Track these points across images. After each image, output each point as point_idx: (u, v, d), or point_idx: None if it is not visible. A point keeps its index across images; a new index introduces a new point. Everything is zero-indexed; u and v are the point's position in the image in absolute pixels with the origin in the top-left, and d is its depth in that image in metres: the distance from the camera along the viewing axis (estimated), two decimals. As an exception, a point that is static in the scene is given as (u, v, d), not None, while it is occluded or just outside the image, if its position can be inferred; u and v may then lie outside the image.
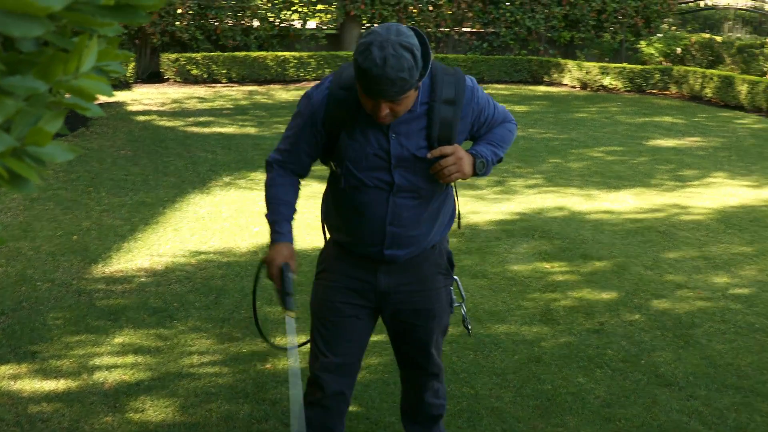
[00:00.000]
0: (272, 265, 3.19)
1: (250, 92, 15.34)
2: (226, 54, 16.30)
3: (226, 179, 8.73)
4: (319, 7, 17.61)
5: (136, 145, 10.36)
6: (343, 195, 3.12)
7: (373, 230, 3.07)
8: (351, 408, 4.09)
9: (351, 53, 16.78)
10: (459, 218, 3.43)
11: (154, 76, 16.61)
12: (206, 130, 11.47)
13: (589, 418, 4.22)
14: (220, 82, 16.31)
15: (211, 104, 13.86)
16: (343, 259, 3.25)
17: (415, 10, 17.99)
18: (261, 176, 8.74)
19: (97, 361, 4.62)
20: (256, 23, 17.34)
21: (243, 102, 14.17)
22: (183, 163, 9.45)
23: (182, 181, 8.65)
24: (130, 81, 15.70)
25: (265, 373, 4.54)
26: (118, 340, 4.89)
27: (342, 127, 2.98)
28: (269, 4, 17.05)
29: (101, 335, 4.95)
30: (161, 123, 11.91)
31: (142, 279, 5.86)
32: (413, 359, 3.46)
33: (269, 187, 3.30)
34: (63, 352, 4.72)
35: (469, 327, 3.59)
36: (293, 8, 17.33)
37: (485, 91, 3.14)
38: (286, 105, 13.85)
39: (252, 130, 11.53)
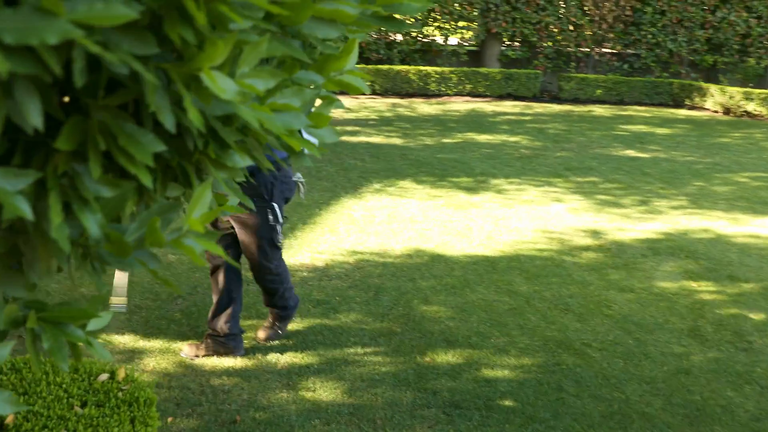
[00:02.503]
0: None
1: (393, 104, 15.71)
2: (369, 66, 16.74)
3: (377, 186, 9.05)
4: (461, 23, 17.90)
5: (289, 150, 10.80)
6: None
7: None
8: (507, 403, 4.31)
9: (491, 69, 17.01)
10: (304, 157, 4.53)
11: (301, 86, 17.15)
12: (354, 139, 11.86)
13: (739, 430, 4.30)
14: (364, 94, 16.72)
15: (356, 114, 14.28)
16: None
17: (555, 29, 18.08)
18: (410, 185, 9.05)
19: (269, 343, 4.96)
20: (399, 38, 17.75)
21: (387, 113, 14.55)
22: (334, 169, 9.83)
23: (335, 185, 9.02)
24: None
25: (425, 365, 4.78)
26: (287, 327, 5.22)
27: None
28: (412, 20, 17.42)
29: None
30: (311, 130, 12.34)
31: (304, 274, 6.20)
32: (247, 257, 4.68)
33: None
34: (238, 334, 5.09)
35: (279, 230, 4.60)
36: (435, 24, 17.66)
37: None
38: (428, 118, 14.15)
39: (398, 141, 11.86)
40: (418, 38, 17.71)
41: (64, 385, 3.08)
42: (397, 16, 1.97)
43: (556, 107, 16.24)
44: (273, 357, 4.79)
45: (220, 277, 4.71)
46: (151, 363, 4.67)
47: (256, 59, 1.35)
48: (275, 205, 4.49)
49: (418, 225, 7.57)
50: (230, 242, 4.73)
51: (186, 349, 4.78)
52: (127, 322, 5.22)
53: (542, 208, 8.35)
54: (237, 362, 4.71)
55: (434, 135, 12.50)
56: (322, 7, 1.50)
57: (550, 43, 18.15)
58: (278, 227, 4.57)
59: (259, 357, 4.79)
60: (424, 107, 15.55)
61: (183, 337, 5.01)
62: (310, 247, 6.83)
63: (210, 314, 4.79)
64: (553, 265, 6.65)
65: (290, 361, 4.76)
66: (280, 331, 5.02)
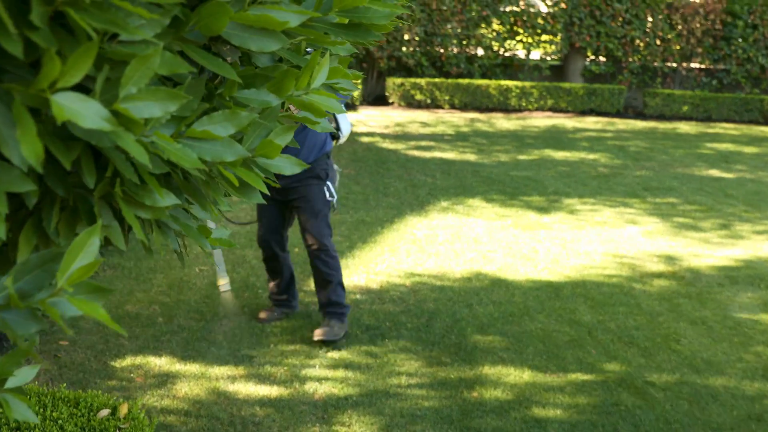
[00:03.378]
0: None
1: (472, 119, 15.37)
2: (449, 80, 16.43)
3: (444, 204, 8.74)
4: (544, 37, 17.45)
5: (358, 165, 10.59)
6: None
7: None
8: (557, 446, 3.95)
9: (574, 84, 16.53)
10: (335, 137, 5.16)
11: (379, 100, 16.98)
12: (427, 154, 11.58)
13: (816, 486, 3.86)
14: (443, 108, 16.45)
15: (432, 129, 13.99)
16: None
17: (641, 44, 17.47)
18: (479, 203, 8.72)
19: (308, 372, 4.70)
20: (480, 51, 17.40)
21: (464, 129, 14.21)
22: (403, 185, 9.55)
23: (401, 202, 8.74)
24: (357, 103, 16.10)
25: (471, 401, 4.45)
26: (331, 353, 4.95)
27: None
28: (494, 33, 17.07)
29: (315, 347, 5.03)
30: (384, 145, 12.12)
31: (357, 296, 5.93)
32: (304, 233, 5.19)
33: None
34: (278, 360, 4.84)
35: (335, 205, 5.21)
36: (518, 38, 17.27)
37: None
38: (506, 134, 13.77)
39: (472, 157, 11.52)
40: (500, 53, 17.33)
41: (60, 421, 2.86)
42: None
43: (639, 124, 15.66)
44: (311, 387, 4.53)
45: (278, 261, 5.39)
46: (183, 389, 4.45)
47: (146, 76, 1.07)
48: (329, 184, 5.16)
49: (482, 246, 7.23)
50: (278, 235, 5.35)
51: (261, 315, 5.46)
52: (167, 343, 5.03)
53: (615, 231, 7.91)
54: (273, 391, 4.46)
55: (510, 151, 12.13)
56: (246, 13, 1.21)
57: (635, 58, 17.55)
58: (333, 202, 5.20)
59: (297, 386, 4.53)
60: (502, 122, 15.17)
61: (221, 362, 4.79)
62: (367, 267, 6.55)
63: (275, 288, 5.47)
64: (621, 293, 6.23)
65: (328, 391, 4.49)
66: (336, 329, 5.10)
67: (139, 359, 4.81)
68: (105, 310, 4.24)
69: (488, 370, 4.80)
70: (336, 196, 5.21)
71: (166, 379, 4.57)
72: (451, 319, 5.57)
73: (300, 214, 5.16)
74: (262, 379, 4.60)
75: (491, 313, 5.71)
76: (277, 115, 1.49)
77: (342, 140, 5.23)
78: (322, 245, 5.12)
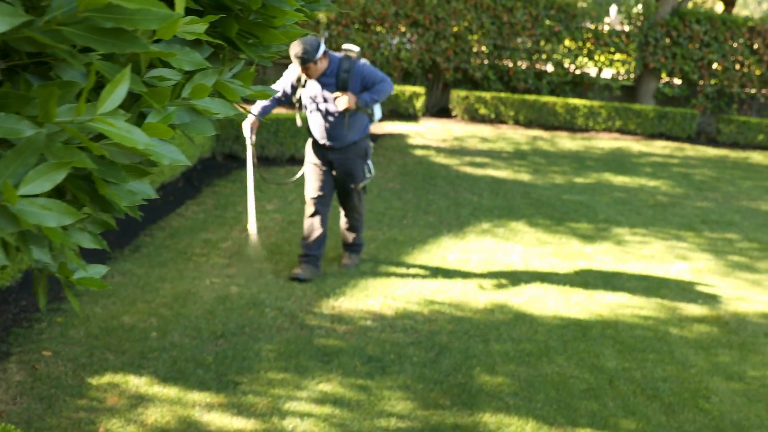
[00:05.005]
0: (243, 124, 6.35)
1: (534, 137, 14.86)
2: (515, 96, 15.92)
3: (485, 225, 8.30)
4: (617, 56, 16.82)
5: (405, 180, 10.22)
6: (308, 116, 6.31)
7: (320, 133, 6.27)
8: None
9: (645, 106, 15.88)
10: (372, 121, 6.42)
11: (442, 112, 16.58)
12: (479, 171, 11.14)
13: None
14: (506, 124, 15.96)
15: (491, 145, 13.54)
16: (313, 146, 6.41)
17: (719, 67, 16.72)
18: (521, 227, 8.27)
19: (292, 405, 4.34)
20: (549, 68, 16.87)
21: (524, 146, 13.72)
22: (446, 203, 9.14)
23: (440, 221, 8.33)
24: (419, 114, 15.73)
25: (462, 453, 4.03)
26: (322, 386, 4.58)
27: (299, 83, 6.22)
28: (566, 50, 16.51)
29: (307, 377, 4.67)
30: (436, 159, 11.72)
31: (368, 322, 5.55)
32: (343, 198, 6.57)
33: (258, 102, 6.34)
34: (264, 389, 4.49)
35: (368, 178, 6.55)
36: (590, 56, 16.68)
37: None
38: (567, 155, 13.24)
39: (525, 177, 11.04)
40: (570, 70, 16.77)
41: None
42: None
43: (710, 151, 14.94)
44: (291, 422, 4.16)
45: (320, 221, 6.49)
46: (153, 415, 4.13)
47: None
48: (369, 162, 6.54)
49: (514, 274, 6.78)
50: (324, 197, 6.48)
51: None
52: (153, 361, 4.73)
53: (661, 266, 7.37)
54: (248, 425, 4.11)
55: (567, 173, 11.60)
56: None
57: (712, 82, 16.81)
58: (369, 177, 6.55)
59: (275, 421, 4.17)
60: (566, 142, 14.61)
61: (203, 387, 4.46)
62: (387, 290, 6.17)
63: (309, 240, 6.46)
64: (655, 337, 5.72)
65: (308, 429, 4.11)
66: (354, 259, 6.78)
67: (118, 377, 4.51)
68: (101, 320, 3.92)
69: (489, 418, 4.37)
70: (373, 173, 6.61)
71: (138, 403, 4.26)
72: (462, 355, 5.14)
73: (343, 183, 6.49)
74: (241, 410, 4.26)
75: (507, 351, 5.27)
76: (39, 148, 1.13)
77: (374, 122, 6.53)
78: (357, 209, 6.64)
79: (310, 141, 6.42)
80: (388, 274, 6.54)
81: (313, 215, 6.43)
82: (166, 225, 7.49)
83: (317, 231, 6.42)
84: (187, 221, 7.67)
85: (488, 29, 16.29)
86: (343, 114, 6.15)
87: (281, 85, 6.26)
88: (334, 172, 6.41)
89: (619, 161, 12.96)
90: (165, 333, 5.13)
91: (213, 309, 5.57)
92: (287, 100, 6.34)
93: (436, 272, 6.69)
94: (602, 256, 7.52)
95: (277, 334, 5.24)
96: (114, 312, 5.40)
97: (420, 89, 15.71)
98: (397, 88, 15.52)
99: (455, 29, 16.26)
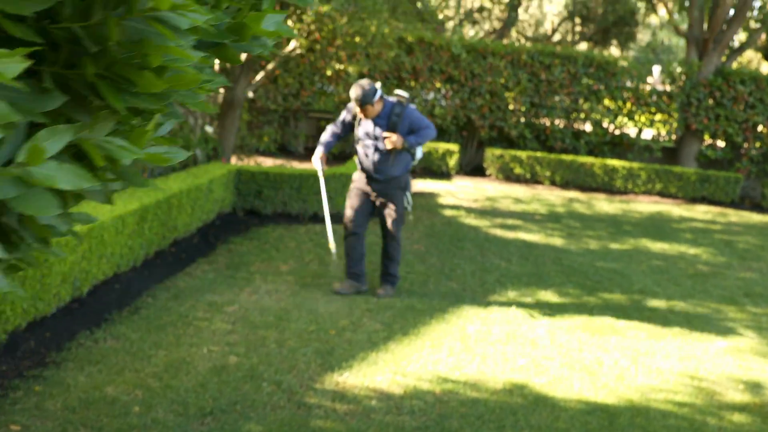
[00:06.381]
0: (313, 158, 7.36)
1: (570, 199, 14.39)
2: (552, 156, 15.50)
3: (511, 294, 7.82)
4: (658, 117, 16.34)
5: (431, 241, 9.79)
6: (357, 148, 7.32)
7: (368, 165, 7.23)
8: None
9: (686, 169, 15.37)
10: (413, 160, 7.37)
11: (476, 171, 16.22)
12: (510, 234, 10.68)
13: None
14: (542, 184, 15.53)
15: (524, 206, 13.08)
16: (361, 176, 7.33)
17: (764, 130, 16.16)
18: (550, 297, 7.80)
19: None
20: (588, 127, 16.45)
21: (559, 209, 13.25)
22: (471, 268, 8.68)
23: (463, 288, 7.87)
24: (452, 172, 15.35)
25: None
26: (312, 478, 4.12)
27: (355, 120, 7.27)
28: (605, 109, 16.08)
29: (297, 467, 4.21)
30: (466, 221, 11.30)
31: (373, 402, 5.08)
32: (384, 226, 7.41)
33: (323, 135, 7.48)
34: (247, 481, 4.03)
35: (408, 209, 7.47)
36: (630, 115, 16.22)
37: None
38: (604, 218, 12.73)
39: (558, 242, 10.56)
40: (609, 130, 16.32)
41: None
42: None
43: (755, 217, 14.35)
44: None
45: (358, 240, 7.40)
46: None
47: None
48: (408, 194, 7.36)
49: (537, 351, 6.29)
50: (360, 218, 7.36)
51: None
52: (129, 443, 4.29)
53: (700, 345, 6.82)
54: None
55: (602, 238, 11.10)
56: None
57: (757, 145, 16.24)
58: (409, 208, 7.42)
59: None
60: (603, 205, 14.12)
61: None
62: (397, 365, 5.70)
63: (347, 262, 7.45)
64: (690, 428, 5.18)
65: None
66: (389, 291, 7.42)
67: None
68: (82, 390, 3.50)
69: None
70: (411, 203, 7.56)
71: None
72: (473, 444, 4.65)
73: (384, 212, 7.37)
74: (218, 505, 3.80)
75: (524, 440, 4.77)
76: None
77: (415, 162, 7.42)
78: (395, 237, 7.40)
79: (357, 171, 7.41)
80: (401, 347, 6.08)
81: (350, 235, 7.35)
82: (171, 285, 7.13)
83: (356, 249, 7.35)
84: (195, 281, 7.29)
85: (525, 86, 15.96)
86: (389, 152, 7.14)
87: (340, 121, 7.38)
88: (375, 202, 7.37)
89: (658, 226, 12.43)
90: (149, 408, 4.71)
91: (206, 381, 5.14)
92: (345, 136, 7.46)
93: (454, 345, 6.22)
94: (635, 332, 7.00)
95: (272, 413, 4.79)
96: (98, 381, 5.00)
97: (454, 147, 15.37)
98: (431, 145, 15.19)
99: (491, 86, 15.92)
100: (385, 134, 7.08)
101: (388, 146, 7.06)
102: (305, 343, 5.96)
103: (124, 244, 6.89)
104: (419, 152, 7.37)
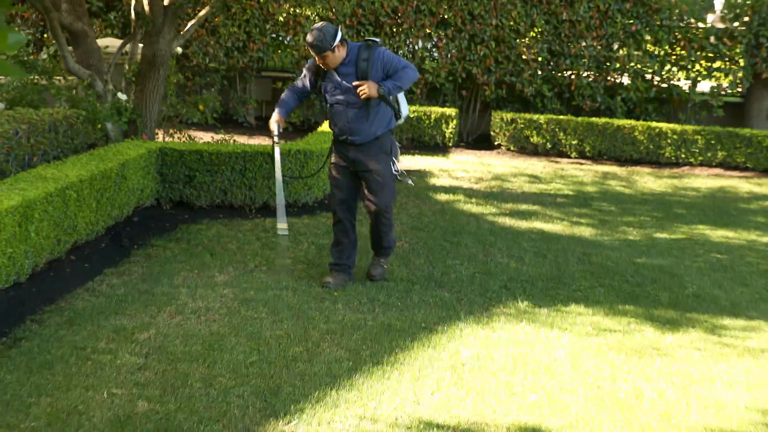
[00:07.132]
0: (270, 122, 7.77)
1: (605, 174, 14.28)
2: (579, 119, 15.41)
3: (521, 305, 7.65)
4: (717, 64, 16.22)
5: (418, 237, 9.66)
6: (328, 110, 7.75)
7: (342, 126, 7.66)
8: None
9: (758, 132, 15.28)
10: (398, 117, 7.78)
11: (481, 141, 16.12)
12: (522, 224, 10.55)
13: None
14: (568, 156, 15.42)
15: (543, 187, 12.97)
16: (335, 144, 7.88)
17: None
18: (573, 308, 7.70)
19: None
20: (625, 80, 16.32)
21: (589, 188, 13.14)
22: (471, 270, 8.53)
23: (458, 299, 7.70)
24: (449, 144, 15.21)
25: None
26: None
27: (318, 75, 7.69)
28: (647, 56, 15.94)
29: None
30: (465, 207, 11.17)
31: (330, 458, 4.88)
32: (370, 198, 7.83)
33: (281, 96, 7.93)
34: None
35: (401, 178, 7.93)
36: (681, 63, 16.10)
37: None
38: (648, 199, 12.62)
39: (586, 232, 10.43)
40: (654, 83, 16.19)
41: None
42: None
43: None
44: None
45: (347, 226, 7.96)
46: None
47: None
48: (394, 158, 7.69)
49: (555, 380, 6.10)
50: (347, 201, 7.93)
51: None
52: None
53: (773, 367, 6.66)
54: None
55: (646, 225, 10.98)
56: None
57: None
58: (397, 174, 7.75)
59: None
60: (647, 181, 14.02)
61: None
62: (365, 405, 5.51)
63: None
64: (759, 482, 4.99)
65: None
66: (386, 266, 8.15)
67: None
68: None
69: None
70: (400, 169, 7.84)
71: None
72: None
73: (369, 183, 7.74)
74: None
75: (533, 507, 4.57)
76: None
77: (401, 121, 7.76)
78: (385, 210, 7.80)
79: (332, 142, 7.89)
80: (372, 381, 5.89)
81: (338, 222, 7.93)
82: (66, 305, 6.96)
83: (346, 239, 7.94)
84: (99, 299, 7.12)
85: (541, 30, 15.84)
86: (365, 105, 7.48)
87: (301, 79, 7.77)
88: (356, 172, 7.80)
89: (720, 208, 12.38)
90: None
91: (103, 438, 4.93)
92: (308, 95, 7.93)
93: (442, 377, 6.03)
94: (688, 351, 6.83)
95: (190, 479, 4.59)
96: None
97: (450, 111, 15.30)
98: (420, 110, 15.08)
99: (497, 30, 15.79)
100: (356, 83, 7.41)
101: (363, 97, 7.38)
102: (242, 381, 5.77)
103: (1, 253, 6.67)
104: (404, 107, 7.77)
